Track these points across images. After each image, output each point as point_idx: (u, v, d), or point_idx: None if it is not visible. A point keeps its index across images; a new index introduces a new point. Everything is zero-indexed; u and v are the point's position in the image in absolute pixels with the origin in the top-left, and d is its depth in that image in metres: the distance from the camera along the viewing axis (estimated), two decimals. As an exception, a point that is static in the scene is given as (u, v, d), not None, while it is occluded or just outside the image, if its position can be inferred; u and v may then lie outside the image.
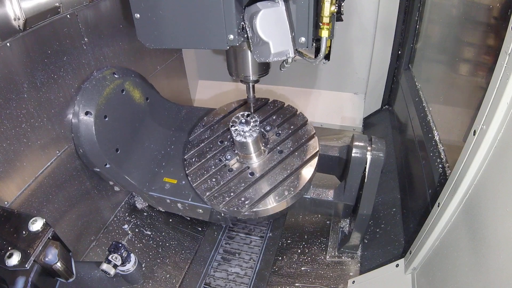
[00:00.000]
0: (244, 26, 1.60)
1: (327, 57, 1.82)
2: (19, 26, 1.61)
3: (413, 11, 2.67)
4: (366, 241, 2.27)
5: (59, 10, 1.81)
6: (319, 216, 2.61)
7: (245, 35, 1.63)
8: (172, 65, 3.19)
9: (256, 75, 2.02)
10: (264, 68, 2.02)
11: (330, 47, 1.77)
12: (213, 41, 1.63)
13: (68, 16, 1.89)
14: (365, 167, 1.84)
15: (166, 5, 1.59)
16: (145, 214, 2.60)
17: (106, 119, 2.08)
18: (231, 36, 1.59)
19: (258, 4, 1.52)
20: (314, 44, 1.66)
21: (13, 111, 1.66)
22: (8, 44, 1.59)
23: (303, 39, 1.58)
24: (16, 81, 1.66)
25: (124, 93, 2.24)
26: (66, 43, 1.91)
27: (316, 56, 1.72)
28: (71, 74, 1.97)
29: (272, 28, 1.53)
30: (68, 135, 2.00)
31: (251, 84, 2.08)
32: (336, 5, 1.55)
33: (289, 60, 1.66)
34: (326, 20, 1.54)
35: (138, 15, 1.66)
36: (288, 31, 1.55)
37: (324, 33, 1.58)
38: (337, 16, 1.61)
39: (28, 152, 1.76)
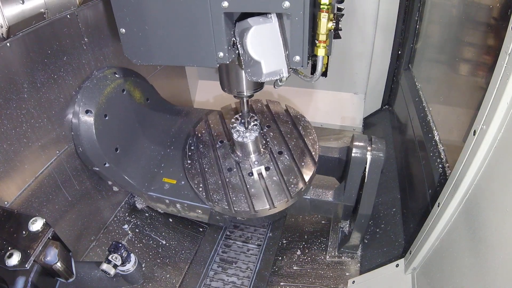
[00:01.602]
0: (235, 41, 1.49)
1: (324, 74, 1.73)
2: (2, 34, 1.57)
3: (413, 11, 2.67)
4: (366, 241, 2.27)
5: (44, 16, 1.77)
6: (319, 216, 2.61)
7: (237, 51, 1.51)
8: (172, 65, 3.19)
9: (251, 91, 1.89)
10: (259, 83, 1.90)
11: (327, 64, 1.67)
12: (202, 58, 1.52)
13: (68, 16, 1.89)
14: (365, 167, 1.84)
15: (152, 20, 1.48)
16: (145, 214, 2.60)
17: (106, 118, 2.08)
18: (221, 54, 1.47)
19: (249, 20, 1.39)
20: (310, 61, 1.54)
21: (13, 111, 1.66)
22: (8, 44, 1.58)
23: (297, 57, 1.44)
24: (16, 81, 1.65)
25: (124, 93, 2.24)
26: (66, 43, 1.91)
27: (312, 73, 1.60)
28: (71, 74, 1.96)
29: (264, 46, 1.41)
30: (68, 135, 2.00)
31: (245, 99, 1.95)
32: (334, 21, 1.43)
33: (284, 79, 1.55)
34: (322, 37, 1.41)
35: (124, 30, 1.55)
36: (282, 50, 1.42)
37: (321, 52, 1.45)
38: (335, 33, 1.50)
39: (28, 152, 1.76)
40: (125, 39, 1.60)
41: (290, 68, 1.52)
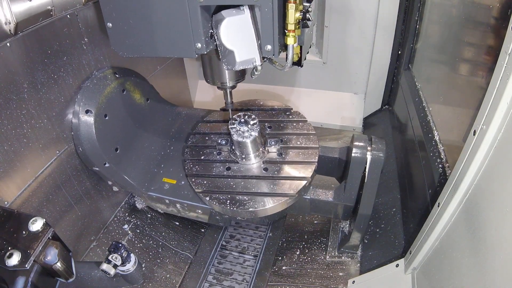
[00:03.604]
0: (213, 33, 1.58)
1: (298, 63, 1.77)
2: (10, 30, 1.60)
3: (413, 11, 2.67)
4: (366, 241, 2.27)
5: (51, 13, 1.79)
6: (319, 216, 2.61)
7: (215, 43, 1.61)
8: (172, 65, 3.19)
9: (233, 81, 1.98)
10: (240, 74, 1.99)
11: (301, 53, 1.72)
12: (181, 49, 1.62)
13: (68, 16, 1.89)
14: (365, 167, 1.84)
15: (136, 14, 1.58)
16: (145, 214, 2.60)
17: (106, 118, 2.08)
18: (199, 45, 1.57)
19: (223, 12, 1.50)
20: (281, 52, 1.62)
21: (13, 112, 1.66)
22: (8, 44, 1.59)
23: (269, 47, 1.54)
24: (16, 81, 1.66)
25: (124, 93, 2.24)
26: (66, 43, 1.91)
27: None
28: (71, 74, 1.97)
29: (237, 36, 1.51)
30: (68, 135, 2.00)
31: (228, 90, 2.05)
32: (302, 11, 1.51)
33: (259, 67, 1.63)
34: (291, 27, 1.50)
35: (111, 25, 1.65)
36: (254, 39, 1.52)
37: (290, 41, 1.54)
38: (303, 23, 1.57)
39: (28, 152, 1.76)
40: (112, 33, 1.69)
41: (265, 58, 1.61)
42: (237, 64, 1.57)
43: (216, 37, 1.56)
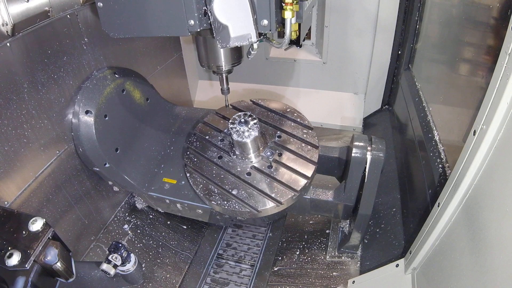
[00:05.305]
0: (206, 10, 1.53)
1: (296, 43, 1.72)
2: (7, 31, 1.59)
3: (413, 11, 2.68)
4: (366, 241, 2.28)
5: (49, 14, 1.79)
6: (319, 216, 2.61)
7: (209, 21, 1.54)
8: (172, 65, 3.19)
9: (229, 65, 1.93)
10: (236, 57, 1.94)
11: (299, 32, 1.66)
12: (174, 27, 1.58)
13: (68, 16, 1.89)
14: (365, 167, 1.84)
15: None
16: (145, 214, 2.60)
17: (106, 118, 2.09)
18: (192, 22, 1.52)
19: None
20: (278, 28, 1.56)
21: (14, 112, 1.66)
22: (8, 44, 1.59)
23: (265, 21, 1.48)
24: (16, 81, 1.66)
25: (124, 93, 2.24)
26: (66, 43, 1.91)
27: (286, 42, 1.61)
28: (71, 74, 1.97)
29: (231, 10, 1.44)
30: (68, 135, 2.00)
31: (224, 74, 2.01)
32: None
33: (255, 46, 1.56)
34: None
35: (101, 4, 1.60)
36: (250, 14, 1.44)
37: (287, 14, 1.47)
38: None
39: (28, 152, 1.76)
40: (102, 13, 1.63)
41: (261, 36, 1.53)
42: (231, 40, 1.49)
43: (210, 13, 1.49)
